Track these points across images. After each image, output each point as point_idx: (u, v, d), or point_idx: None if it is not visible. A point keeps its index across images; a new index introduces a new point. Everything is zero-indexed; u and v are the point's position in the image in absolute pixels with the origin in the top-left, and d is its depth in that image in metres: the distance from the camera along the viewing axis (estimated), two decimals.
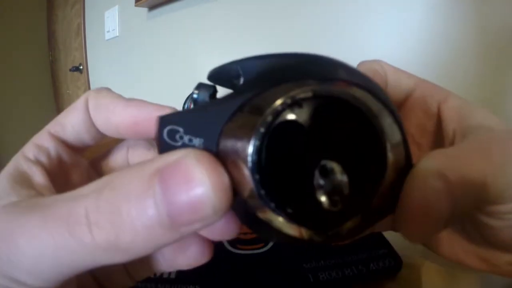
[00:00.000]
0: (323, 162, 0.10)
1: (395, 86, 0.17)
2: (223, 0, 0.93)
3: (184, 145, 0.11)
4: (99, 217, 0.10)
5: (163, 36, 1.16)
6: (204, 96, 0.13)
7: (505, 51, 0.48)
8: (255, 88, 0.11)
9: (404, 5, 0.59)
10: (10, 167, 0.13)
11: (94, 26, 1.57)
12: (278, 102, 0.10)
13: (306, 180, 0.10)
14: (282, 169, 0.10)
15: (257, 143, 0.09)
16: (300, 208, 0.10)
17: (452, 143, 0.15)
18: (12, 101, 1.83)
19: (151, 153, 0.16)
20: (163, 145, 0.11)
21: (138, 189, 0.10)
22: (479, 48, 0.51)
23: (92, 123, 0.15)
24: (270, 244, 0.30)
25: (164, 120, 0.11)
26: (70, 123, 0.15)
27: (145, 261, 0.15)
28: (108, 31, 1.44)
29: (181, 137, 0.11)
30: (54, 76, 2.07)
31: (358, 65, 0.17)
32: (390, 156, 0.10)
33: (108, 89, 0.15)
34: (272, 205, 0.10)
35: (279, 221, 0.11)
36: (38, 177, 0.13)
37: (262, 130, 0.09)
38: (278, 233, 0.11)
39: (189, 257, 0.14)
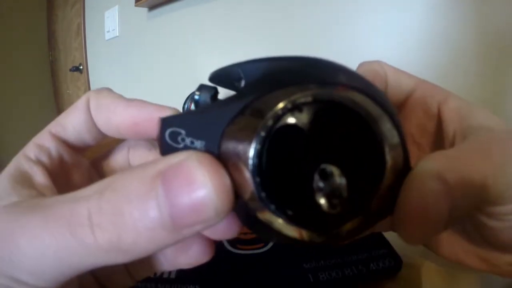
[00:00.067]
0: (323, 166, 0.10)
1: (395, 87, 0.17)
2: (223, 0, 0.93)
3: (186, 147, 0.11)
4: (101, 218, 0.10)
5: (163, 36, 1.16)
6: (206, 97, 0.13)
7: (505, 51, 0.48)
8: (256, 91, 0.11)
9: (404, 6, 0.59)
10: (11, 167, 0.13)
11: (94, 26, 1.57)
12: (279, 106, 0.10)
13: (305, 183, 0.10)
14: (283, 172, 0.10)
15: (258, 146, 0.10)
16: (300, 210, 0.10)
17: (452, 144, 0.15)
18: (12, 101, 1.83)
19: (152, 153, 0.16)
20: (165, 147, 0.11)
21: (140, 190, 0.10)
22: (480, 49, 0.51)
23: (93, 123, 0.15)
24: (270, 244, 0.30)
25: (166, 122, 0.11)
26: (71, 123, 0.15)
27: (146, 260, 0.15)
28: (108, 31, 1.44)
29: (183, 139, 0.11)
30: (54, 76, 2.07)
31: (359, 65, 0.17)
32: (389, 159, 0.11)
33: (109, 89, 0.15)
34: (273, 207, 0.10)
35: (279, 222, 0.11)
36: (39, 177, 0.13)
37: (263, 134, 0.10)
38: (278, 234, 0.11)
39: (190, 257, 0.14)
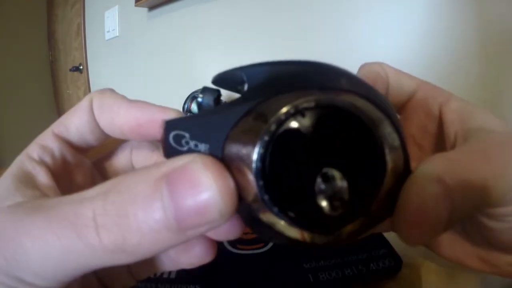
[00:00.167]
0: (325, 169, 0.11)
1: (397, 88, 0.17)
2: (223, 0, 0.93)
3: (190, 150, 0.11)
4: (106, 219, 0.10)
5: (163, 36, 1.16)
6: (209, 100, 0.13)
7: (507, 52, 0.48)
8: (259, 95, 0.11)
9: (405, 6, 0.59)
10: (14, 167, 0.13)
11: (94, 26, 1.57)
12: (282, 111, 0.10)
13: (308, 186, 0.11)
14: (285, 176, 0.10)
15: (262, 150, 0.10)
16: (302, 212, 0.11)
17: (453, 146, 0.15)
18: (12, 101, 1.83)
19: (155, 154, 0.17)
20: (169, 150, 0.12)
21: (145, 192, 0.10)
22: (481, 49, 0.51)
23: (96, 124, 0.15)
24: (270, 244, 0.30)
25: (170, 125, 0.12)
26: (74, 124, 0.15)
27: (149, 260, 0.15)
28: (108, 31, 1.44)
29: (187, 142, 0.11)
30: (54, 76, 2.07)
31: (360, 67, 0.17)
32: (389, 162, 0.11)
33: (112, 90, 0.15)
34: (275, 209, 0.10)
35: (282, 224, 0.11)
36: (42, 177, 0.13)
37: (266, 138, 0.10)
38: (280, 235, 0.11)
39: (193, 257, 0.14)
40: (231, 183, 0.10)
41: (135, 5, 1.15)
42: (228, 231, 0.13)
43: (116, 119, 0.14)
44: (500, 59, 0.49)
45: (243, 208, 0.11)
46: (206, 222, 0.10)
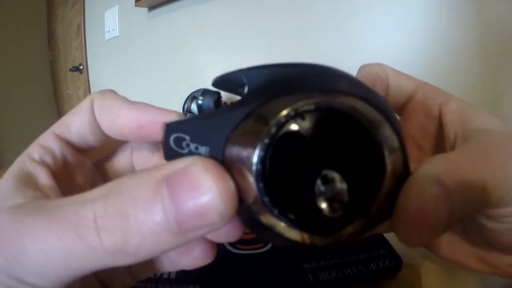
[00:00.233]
0: (325, 172, 0.11)
1: (396, 89, 0.17)
2: (223, 0, 0.93)
3: (190, 153, 0.11)
4: (107, 221, 0.10)
5: (163, 36, 1.16)
6: (209, 102, 0.13)
7: (507, 52, 0.48)
8: (259, 97, 0.11)
9: (405, 6, 0.59)
10: (15, 167, 0.13)
11: (94, 26, 1.57)
12: (282, 113, 0.10)
13: (308, 188, 0.11)
14: (285, 178, 0.11)
15: (262, 153, 0.10)
16: (302, 214, 0.11)
17: (453, 146, 0.15)
18: (12, 101, 1.83)
19: (155, 155, 0.17)
20: (170, 152, 0.12)
21: (145, 194, 0.10)
22: (481, 49, 0.51)
23: (97, 125, 0.15)
24: (270, 244, 0.30)
25: (170, 128, 0.12)
26: (75, 125, 0.15)
27: (149, 261, 0.15)
28: (108, 31, 1.44)
29: (188, 145, 0.11)
30: (54, 76, 2.07)
31: (360, 68, 0.17)
32: (389, 164, 0.11)
33: (113, 91, 0.15)
34: (276, 211, 0.10)
35: (282, 226, 0.11)
36: (43, 177, 0.13)
37: (266, 141, 0.10)
38: (280, 237, 0.11)
39: (193, 258, 0.14)
40: (231, 185, 0.10)
41: (135, 5, 1.15)
42: (228, 233, 0.13)
43: (117, 121, 0.14)
44: (500, 59, 0.49)
45: (244, 210, 0.11)
46: (207, 225, 0.10)
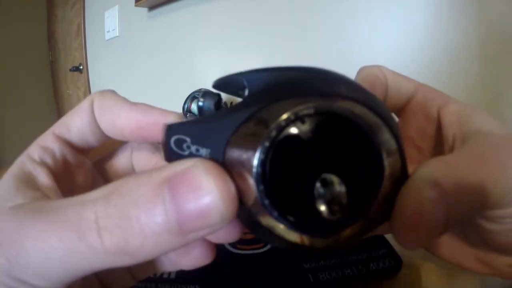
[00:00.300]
0: (324, 175, 0.11)
1: (396, 91, 0.17)
2: (223, 0, 0.93)
3: (191, 155, 0.11)
4: (108, 222, 0.10)
5: (163, 36, 1.16)
6: (210, 104, 0.13)
7: (507, 52, 0.48)
8: (259, 101, 0.11)
9: (405, 6, 0.59)
10: (15, 168, 0.13)
11: (94, 26, 1.57)
12: (282, 117, 0.10)
13: (307, 190, 0.11)
14: (285, 181, 0.11)
15: (262, 156, 0.10)
16: (301, 216, 0.11)
17: (452, 148, 0.15)
18: (12, 101, 1.83)
19: (156, 156, 0.17)
20: (170, 153, 0.12)
21: (147, 196, 0.10)
22: (481, 49, 0.51)
23: (97, 125, 0.15)
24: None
25: (171, 129, 0.12)
26: (75, 125, 0.15)
27: (149, 261, 0.15)
28: (108, 31, 1.44)
29: (188, 147, 0.11)
30: (54, 76, 2.07)
31: (359, 70, 0.17)
32: (387, 167, 0.11)
33: (113, 92, 0.15)
34: (275, 213, 0.11)
35: (281, 228, 0.11)
36: (43, 178, 0.13)
37: (266, 144, 0.10)
38: (280, 239, 0.11)
39: (192, 259, 0.14)
40: (232, 187, 0.10)
41: (135, 5, 1.15)
42: (227, 235, 0.14)
43: (117, 121, 0.14)
44: (500, 59, 0.49)
45: (243, 212, 0.11)
46: (208, 226, 0.10)
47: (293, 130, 0.11)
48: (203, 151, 0.11)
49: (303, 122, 0.11)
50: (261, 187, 0.10)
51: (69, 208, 0.11)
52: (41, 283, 0.10)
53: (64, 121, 0.15)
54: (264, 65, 0.12)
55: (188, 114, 0.76)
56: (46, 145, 0.14)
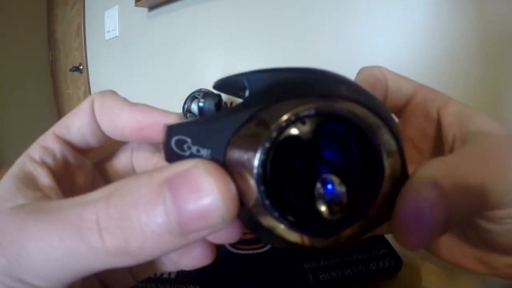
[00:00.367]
0: (324, 175, 0.11)
1: (395, 91, 0.17)
2: (223, 0, 0.93)
3: (192, 155, 0.11)
4: (109, 223, 0.10)
5: (163, 36, 1.16)
6: (210, 104, 0.13)
7: (507, 52, 0.48)
8: (260, 101, 0.11)
9: (405, 6, 0.59)
10: (15, 168, 0.13)
11: (94, 26, 1.57)
12: (283, 118, 0.10)
13: (307, 191, 0.11)
14: (286, 181, 0.11)
15: (263, 157, 0.10)
16: (302, 217, 0.11)
17: (451, 149, 0.15)
18: (12, 101, 1.83)
19: (156, 156, 0.17)
20: (171, 154, 0.12)
21: (147, 196, 0.10)
22: (481, 50, 0.51)
23: (97, 125, 0.15)
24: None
25: (172, 130, 0.12)
26: (76, 125, 0.15)
27: (149, 262, 0.15)
28: (108, 31, 1.44)
29: (189, 148, 0.11)
30: (54, 76, 2.07)
31: (359, 71, 0.17)
32: (387, 168, 0.11)
33: (113, 92, 0.15)
34: (276, 214, 0.11)
35: (282, 228, 0.11)
36: (44, 178, 0.13)
37: (267, 145, 0.10)
38: (280, 239, 0.11)
39: (192, 259, 0.14)
40: (232, 188, 0.10)
41: (135, 5, 1.15)
42: (227, 235, 0.14)
43: (117, 122, 0.14)
44: (500, 59, 0.49)
45: (244, 213, 0.11)
46: (208, 226, 0.10)
47: (294, 131, 0.11)
48: (204, 152, 0.11)
49: (303, 123, 0.11)
50: (262, 188, 0.10)
51: (69, 208, 0.11)
52: (41, 283, 0.10)
53: (65, 121, 0.15)
54: (264, 65, 0.12)
55: (188, 114, 0.76)
56: (46, 145, 0.14)
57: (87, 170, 0.16)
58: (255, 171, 0.10)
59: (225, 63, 0.96)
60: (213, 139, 0.11)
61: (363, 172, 0.11)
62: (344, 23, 0.68)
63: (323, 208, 0.11)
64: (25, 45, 1.89)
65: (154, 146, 0.17)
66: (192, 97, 0.77)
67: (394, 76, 0.17)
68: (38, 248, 0.10)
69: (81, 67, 1.71)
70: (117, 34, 1.40)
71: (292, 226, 0.11)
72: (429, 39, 0.56)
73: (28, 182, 0.13)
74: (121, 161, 0.17)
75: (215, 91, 0.14)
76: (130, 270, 0.16)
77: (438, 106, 0.16)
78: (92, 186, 0.16)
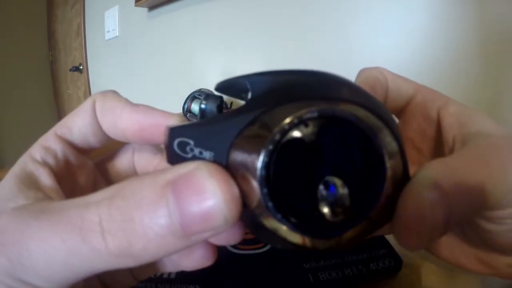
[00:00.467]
0: (327, 177, 0.11)
1: (396, 92, 0.17)
2: (223, 0, 0.93)
3: (194, 157, 0.11)
4: (112, 224, 0.10)
5: (163, 36, 1.16)
6: (212, 106, 0.14)
7: (507, 53, 0.48)
8: (263, 104, 0.11)
9: (405, 6, 0.59)
10: (16, 168, 0.13)
11: (94, 26, 1.57)
12: (286, 121, 0.11)
13: (310, 193, 0.11)
14: (289, 183, 0.11)
15: (266, 159, 0.10)
16: (305, 218, 0.11)
17: (451, 150, 0.15)
18: (12, 101, 1.83)
19: (157, 157, 0.17)
20: (173, 156, 0.12)
21: (150, 198, 0.10)
22: (481, 50, 0.51)
23: (99, 126, 0.15)
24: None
25: (174, 132, 0.12)
26: (77, 126, 0.15)
27: (151, 263, 0.15)
28: (108, 31, 1.44)
29: (192, 150, 0.11)
30: (54, 76, 2.07)
31: (359, 72, 0.17)
32: (389, 169, 0.11)
33: (115, 92, 0.15)
34: (279, 216, 0.11)
35: (284, 229, 0.11)
36: (45, 178, 0.13)
37: (270, 147, 0.10)
38: (283, 240, 0.12)
39: (194, 260, 0.14)
40: (235, 190, 0.10)
41: (135, 5, 1.15)
42: (230, 237, 0.14)
43: (119, 123, 0.14)
44: (500, 59, 0.49)
45: (247, 214, 0.11)
46: (211, 228, 0.10)
47: (297, 133, 0.11)
48: (207, 154, 0.11)
49: (306, 125, 0.11)
50: (265, 190, 0.10)
51: (72, 209, 0.11)
52: (43, 284, 0.10)
53: (66, 121, 0.15)
54: (264, 65, 0.12)
55: (188, 114, 0.76)
56: (48, 146, 0.14)
57: (89, 170, 0.16)
58: (258, 173, 0.10)
59: (225, 63, 0.96)
60: (216, 141, 0.11)
61: (365, 173, 0.11)
62: (344, 23, 0.68)
63: (325, 210, 0.11)
64: (25, 45, 1.89)
65: (155, 146, 0.17)
66: (192, 97, 0.77)
67: (394, 77, 0.17)
68: (40, 249, 0.10)
69: (81, 67, 1.71)
70: (117, 34, 1.40)
71: (295, 227, 0.11)
72: (429, 39, 0.56)
73: (30, 182, 0.13)
74: (122, 161, 0.17)
75: (217, 93, 0.14)
76: (131, 271, 0.16)
77: (438, 106, 0.16)
78: (93, 186, 0.16)
